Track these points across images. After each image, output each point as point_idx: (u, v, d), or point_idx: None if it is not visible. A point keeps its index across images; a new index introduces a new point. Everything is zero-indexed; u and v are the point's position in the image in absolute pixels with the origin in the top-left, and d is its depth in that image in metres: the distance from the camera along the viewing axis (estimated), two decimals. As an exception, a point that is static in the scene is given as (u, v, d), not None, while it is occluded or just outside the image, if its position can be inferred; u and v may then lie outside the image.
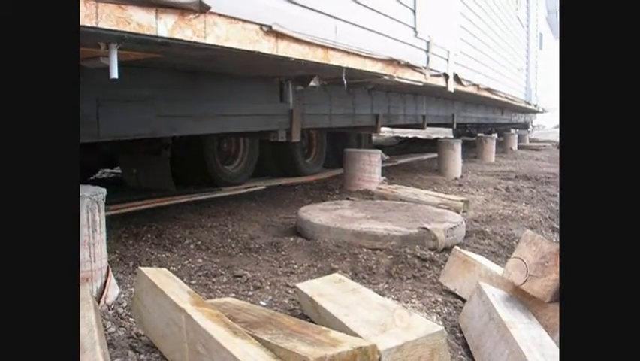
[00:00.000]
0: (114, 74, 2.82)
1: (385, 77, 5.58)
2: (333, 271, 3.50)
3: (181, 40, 2.90)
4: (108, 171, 8.97)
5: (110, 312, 2.89)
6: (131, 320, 2.77)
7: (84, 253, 3.06)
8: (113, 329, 2.65)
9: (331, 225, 4.27)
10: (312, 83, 5.36)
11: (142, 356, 2.37)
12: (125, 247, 4.08)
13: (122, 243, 4.18)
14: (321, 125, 6.86)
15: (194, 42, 2.99)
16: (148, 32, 2.69)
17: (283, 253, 3.99)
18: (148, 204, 5.75)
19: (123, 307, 2.96)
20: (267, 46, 3.56)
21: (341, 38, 4.47)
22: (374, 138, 13.64)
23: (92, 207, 3.09)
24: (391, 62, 5.54)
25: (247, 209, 5.71)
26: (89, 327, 2.17)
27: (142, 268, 2.55)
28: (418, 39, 6.49)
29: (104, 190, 3.23)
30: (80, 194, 3.05)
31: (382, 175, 7.44)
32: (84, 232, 3.05)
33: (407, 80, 6.11)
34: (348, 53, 4.60)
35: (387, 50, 5.48)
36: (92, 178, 8.03)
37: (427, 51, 6.78)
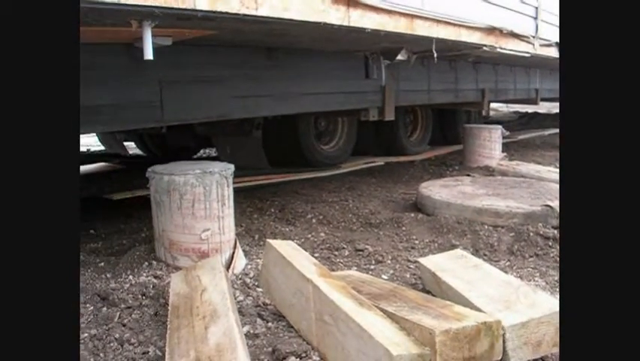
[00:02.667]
0: (148, 54, 2.58)
1: (485, 48, 5.02)
2: (453, 247, 3.50)
3: (226, 13, 2.56)
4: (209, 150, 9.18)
5: (238, 282, 3.03)
6: (258, 289, 2.89)
7: (214, 226, 3.21)
8: (241, 298, 2.78)
9: (452, 201, 4.25)
10: (399, 57, 4.82)
11: (269, 324, 2.47)
12: (249, 220, 4.23)
13: (247, 216, 4.33)
14: (419, 102, 6.45)
15: (244, 15, 2.64)
16: (183, 6, 2.40)
17: (404, 228, 4.02)
18: (271, 179, 5.89)
19: (250, 278, 3.09)
20: (336, 16, 3.12)
21: (429, 5, 3.94)
22: (491, 113, 13.29)
23: (221, 182, 3.23)
24: (492, 30, 4.97)
25: (367, 185, 5.77)
26: (222, 294, 2.29)
27: (270, 241, 2.65)
28: (524, 4, 5.85)
29: (232, 166, 3.37)
30: (210, 170, 3.20)
31: (502, 151, 7.28)
32: (214, 205, 3.20)
33: (512, 50, 5.51)
34: (437, 21, 4.08)
35: (487, 17, 4.88)
36: (194, 157, 8.30)
37: (536, 18, 6.11)
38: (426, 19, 3.93)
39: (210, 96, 3.85)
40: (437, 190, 4.58)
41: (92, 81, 3.19)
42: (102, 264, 3.39)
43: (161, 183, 3.20)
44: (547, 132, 12.58)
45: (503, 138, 7.63)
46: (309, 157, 6.74)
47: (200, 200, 3.14)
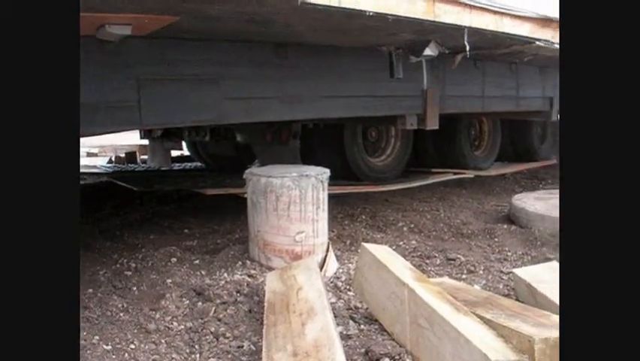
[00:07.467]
0: None
1: (540, 44, 4.02)
2: (548, 260, 3.43)
3: None
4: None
5: (330, 285, 3.07)
6: (350, 293, 2.92)
7: (308, 228, 3.27)
8: (333, 300, 2.82)
9: (546, 214, 4.17)
10: (427, 52, 3.95)
11: (362, 326, 2.50)
12: (341, 226, 4.27)
13: (338, 222, 4.37)
14: (470, 109, 5.61)
15: None
16: None
17: (496, 239, 3.97)
18: (361, 188, 5.90)
19: (342, 281, 3.13)
20: None
21: (458, -15, 3.22)
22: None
23: (317, 185, 3.28)
24: (548, 22, 3.95)
25: (457, 196, 5.72)
26: (319, 293, 2.33)
27: (365, 244, 2.68)
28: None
29: (327, 171, 3.42)
30: (307, 173, 3.26)
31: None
32: (309, 208, 3.26)
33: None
34: (470, 6, 3.33)
35: (542, 5, 3.88)
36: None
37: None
38: (453, 2, 3.23)
39: (201, 97, 3.41)
40: (531, 202, 4.50)
41: None
42: (197, 261, 3.50)
43: (258, 184, 3.28)
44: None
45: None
46: (355, 170, 6.22)
47: (296, 202, 3.21)
